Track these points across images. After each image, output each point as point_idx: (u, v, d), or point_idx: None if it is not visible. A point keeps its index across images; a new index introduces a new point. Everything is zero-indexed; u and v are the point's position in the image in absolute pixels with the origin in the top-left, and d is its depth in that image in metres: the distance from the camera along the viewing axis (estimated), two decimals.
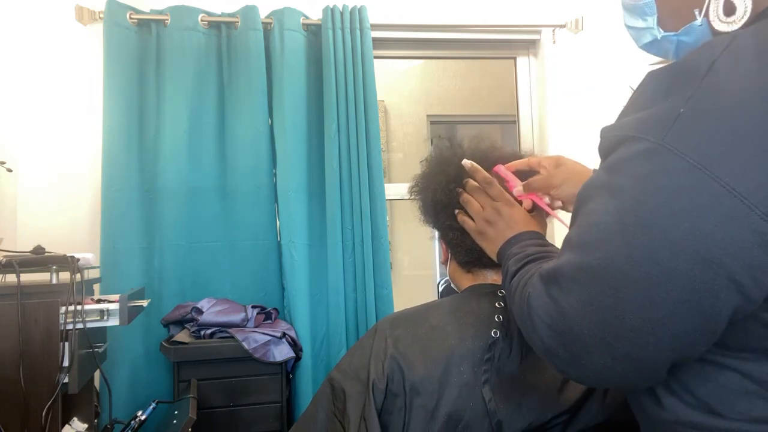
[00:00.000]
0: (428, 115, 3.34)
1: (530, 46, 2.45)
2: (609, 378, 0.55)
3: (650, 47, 0.70)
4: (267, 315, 1.93)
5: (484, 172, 0.88)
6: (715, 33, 0.61)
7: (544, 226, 0.89)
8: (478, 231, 0.87)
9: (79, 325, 1.22)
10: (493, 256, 0.84)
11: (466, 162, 0.89)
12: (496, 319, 0.86)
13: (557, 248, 0.74)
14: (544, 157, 0.93)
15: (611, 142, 0.57)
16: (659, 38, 0.67)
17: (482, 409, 0.77)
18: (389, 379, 0.80)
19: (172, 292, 1.95)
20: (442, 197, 0.94)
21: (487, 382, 0.79)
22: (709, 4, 0.61)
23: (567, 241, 0.58)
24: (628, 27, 0.72)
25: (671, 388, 0.57)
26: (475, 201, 0.88)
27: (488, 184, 0.87)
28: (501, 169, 0.92)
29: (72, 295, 1.23)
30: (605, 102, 2.35)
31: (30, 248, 1.38)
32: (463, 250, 0.94)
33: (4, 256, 1.29)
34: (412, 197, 1.03)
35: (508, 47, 2.45)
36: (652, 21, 0.67)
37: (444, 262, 1.03)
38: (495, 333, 0.83)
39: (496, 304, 0.87)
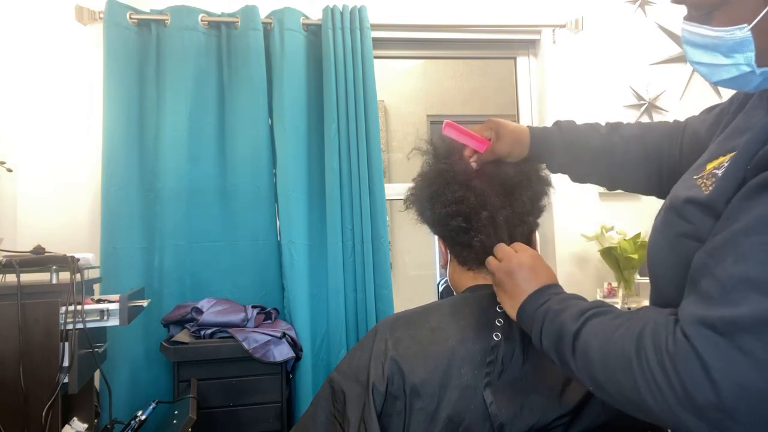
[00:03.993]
0: (428, 115, 3.34)
1: (530, 46, 2.45)
2: None
3: (730, 82, 0.66)
4: (267, 315, 1.93)
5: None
6: None
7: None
8: (497, 287, 0.84)
9: (79, 325, 1.22)
10: (512, 312, 0.79)
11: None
12: (497, 323, 0.85)
13: (601, 301, 0.71)
14: (482, 129, 0.96)
15: None
16: (757, 74, 0.63)
17: (483, 412, 0.77)
18: (389, 381, 0.79)
19: (172, 292, 1.95)
20: (437, 191, 0.93)
21: (489, 385, 0.79)
22: None
23: (749, 280, 0.52)
24: (698, 63, 0.67)
25: None
26: (494, 258, 0.85)
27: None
28: (453, 128, 0.94)
29: (72, 295, 1.23)
30: (605, 102, 2.36)
31: (30, 248, 1.38)
32: (467, 240, 0.92)
33: (4, 256, 1.29)
34: (408, 205, 1.03)
35: (508, 47, 2.45)
36: (742, 58, 0.62)
37: (444, 265, 1.03)
38: (497, 336, 0.83)
39: (497, 308, 0.87)
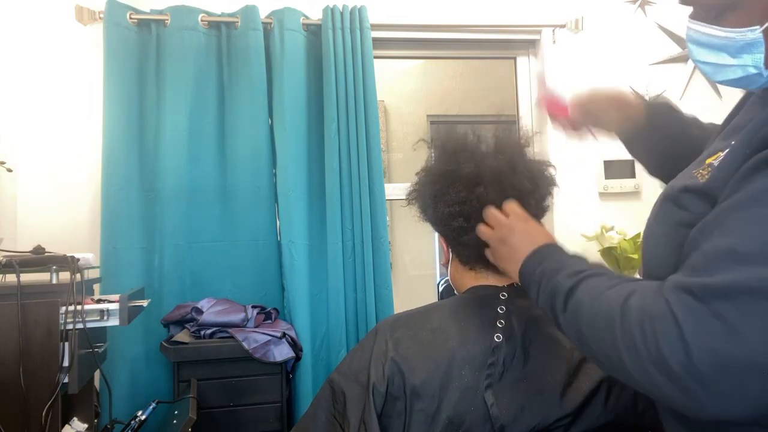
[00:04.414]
0: (428, 115, 3.33)
1: (530, 46, 2.45)
2: (742, 412, 0.52)
3: (735, 82, 0.66)
4: (267, 315, 1.93)
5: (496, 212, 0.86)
6: None
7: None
8: (493, 253, 0.85)
9: (79, 325, 1.22)
10: (515, 276, 0.81)
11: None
12: (498, 324, 0.85)
13: (601, 264, 0.72)
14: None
15: None
16: (764, 76, 0.63)
17: (484, 413, 0.77)
18: (389, 382, 0.79)
19: (172, 292, 1.95)
20: (441, 190, 0.93)
21: (489, 387, 0.79)
22: None
23: (732, 252, 0.53)
24: (702, 62, 0.68)
25: None
26: (486, 226, 0.86)
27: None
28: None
29: (72, 295, 1.22)
30: None
31: (30, 248, 1.38)
32: (466, 239, 0.91)
33: (4, 256, 1.28)
34: (411, 200, 1.02)
35: (508, 47, 2.45)
36: (750, 59, 0.63)
37: (445, 264, 1.02)
38: (498, 337, 0.83)
39: (498, 309, 0.87)
